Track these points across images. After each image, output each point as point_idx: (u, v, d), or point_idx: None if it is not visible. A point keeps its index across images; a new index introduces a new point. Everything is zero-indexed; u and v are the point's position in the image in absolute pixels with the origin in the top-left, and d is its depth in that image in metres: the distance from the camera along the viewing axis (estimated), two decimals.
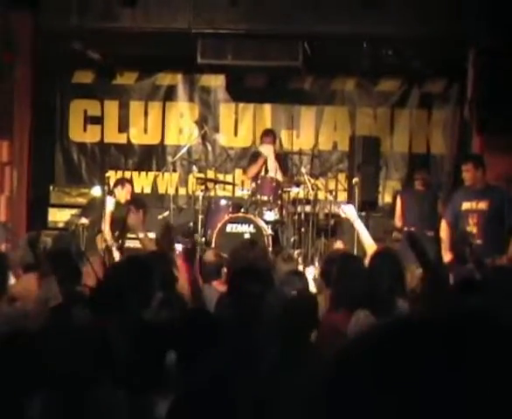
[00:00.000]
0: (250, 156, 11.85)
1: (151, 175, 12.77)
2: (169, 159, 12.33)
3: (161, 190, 12.66)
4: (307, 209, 11.02)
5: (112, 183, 10.70)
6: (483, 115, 10.12)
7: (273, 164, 11.30)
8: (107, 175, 11.60)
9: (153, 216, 11.56)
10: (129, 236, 10.69)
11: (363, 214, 10.97)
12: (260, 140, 11.61)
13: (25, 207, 11.02)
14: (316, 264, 9.82)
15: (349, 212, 8.56)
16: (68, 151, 12.86)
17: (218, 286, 6.72)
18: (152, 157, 12.83)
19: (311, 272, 9.05)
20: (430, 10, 10.09)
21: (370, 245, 8.00)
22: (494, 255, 8.42)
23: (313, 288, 7.77)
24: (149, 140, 12.83)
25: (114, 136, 12.85)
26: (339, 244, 9.77)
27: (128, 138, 12.83)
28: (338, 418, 0.96)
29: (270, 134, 11.57)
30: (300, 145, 12.21)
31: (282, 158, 11.55)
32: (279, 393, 2.87)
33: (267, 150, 11.37)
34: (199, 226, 10.64)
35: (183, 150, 11.81)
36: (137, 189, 12.68)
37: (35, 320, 5.54)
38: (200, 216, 10.65)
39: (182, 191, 12.61)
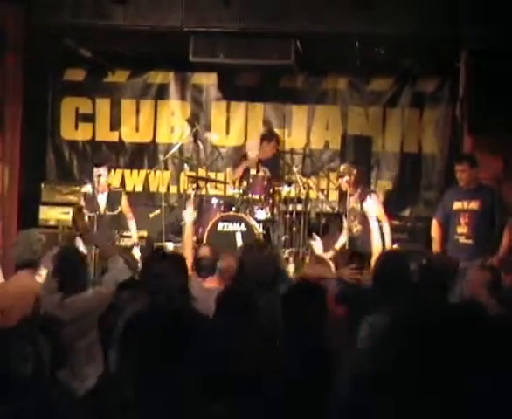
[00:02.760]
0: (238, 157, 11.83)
1: (143, 173, 12.76)
2: (161, 157, 12.30)
3: (152, 188, 12.65)
4: (299, 207, 11.02)
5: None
6: (475, 115, 10.13)
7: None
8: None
9: (144, 215, 11.56)
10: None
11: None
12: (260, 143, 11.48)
13: (17, 204, 11.00)
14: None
15: (372, 207, 8.59)
16: (60, 149, 12.83)
17: (212, 283, 6.69)
18: (144, 155, 12.81)
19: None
20: (422, 9, 10.09)
21: (378, 248, 8.05)
22: (484, 255, 8.46)
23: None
24: (141, 138, 12.81)
25: (105, 134, 12.82)
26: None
27: (120, 136, 12.81)
28: None
29: (263, 138, 11.45)
30: (291, 144, 12.22)
31: (273, 161, 11.42)
32: None
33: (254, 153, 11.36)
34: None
35: (175, 148, 11.80)
36: (129, 188, 12.69)
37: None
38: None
39: (173, 189, 12.60)
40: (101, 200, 10.24)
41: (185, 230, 7.71)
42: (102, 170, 10.24)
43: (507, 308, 5.57)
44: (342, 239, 9.74)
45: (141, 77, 12.76)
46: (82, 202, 10.22)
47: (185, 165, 11.65)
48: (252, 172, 10.98)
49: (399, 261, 5.74)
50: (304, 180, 11.15)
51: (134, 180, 12.77)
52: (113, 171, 12.66)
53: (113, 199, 10.29)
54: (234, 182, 11.20)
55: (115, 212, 10.23)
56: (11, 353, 3.80)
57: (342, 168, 9.94)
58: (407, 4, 10.14)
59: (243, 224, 10.30)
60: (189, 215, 7.83)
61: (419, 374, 0.99)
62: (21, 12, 10.51)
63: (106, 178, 10.26)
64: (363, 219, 9.44)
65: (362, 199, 9.49)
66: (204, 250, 7.00)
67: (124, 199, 10.38)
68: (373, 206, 9.16)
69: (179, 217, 11.09)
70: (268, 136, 11.43)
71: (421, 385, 0.97)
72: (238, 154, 12.11)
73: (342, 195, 10.10)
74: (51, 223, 11.49)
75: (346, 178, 9.71)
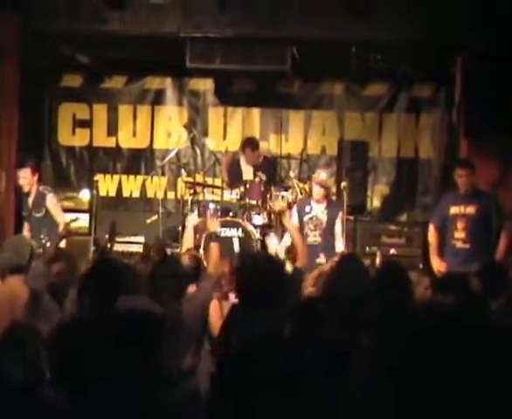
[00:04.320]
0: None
1: (140, 178, 12.76)
2: (158, 163, 12.33)
3: (149, 194, 12.65)
4: None
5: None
6: (470, 120, 10.16)
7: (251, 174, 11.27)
8: (95, 178, 11.59)
9: (141, 220, 11.57)
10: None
11: (352, 218, 11.02)
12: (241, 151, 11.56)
13: (14, 210, 11.00)
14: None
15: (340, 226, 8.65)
16: (57, 155, 12.83)
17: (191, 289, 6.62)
18: (141, 161, 12.81)
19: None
20: (418, 15, 10.12)
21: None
22: (481, 259, 8.47)
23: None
24: (138, 143, 12.81)
25: (102, 140, 12.82)
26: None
27: (117, 142, 12.81)
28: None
29: (249, 144, 11.50)
30: (288, 149, 12.24)
31: (268, 165, 11.46)
32: None
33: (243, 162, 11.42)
34: None
35: (172, 154, 11.82)
36: (126, 193, 12.71)
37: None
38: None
39: (170, 195, 12.59)
40: (29, 201, 10.08)
41: (186, 233, 7.69)
42: (24, 172, 10.12)
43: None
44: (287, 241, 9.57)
45: (138, 82, 12.76)
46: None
47: (182, 170, 11.64)
48: (249, 177, 11.03)
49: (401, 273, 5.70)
50: (301, 185, 11.16)
51: (132, 185, 12.77)
52: (110, 176, 12.72)
53: (37, 200, 10.02)
54: (231, 186, 11.20)
55: (40, 214, 9.93)
56: (4, 360, 3.82)
57: (326, 177, 9.70)
58: (403, 10, 10.17)
59: (240, 230, 10.31)
60: (192, 220, 7.82)
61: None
62: (17, 19, 10.52)
63: (29, 179, 10.04)
64: (326, 232, 9.41)
65: (332, 213, 9.47)
66: (184, 259, 6.90)
67: (50, 201, 10.02)
68: (340, 225, 9.23)
69: (176, 223, 11.12)
70: (251, 144, 11.44)
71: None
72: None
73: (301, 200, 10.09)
74: None
75: (323, 190, 9.55)
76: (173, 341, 5.28)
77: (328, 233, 9.43)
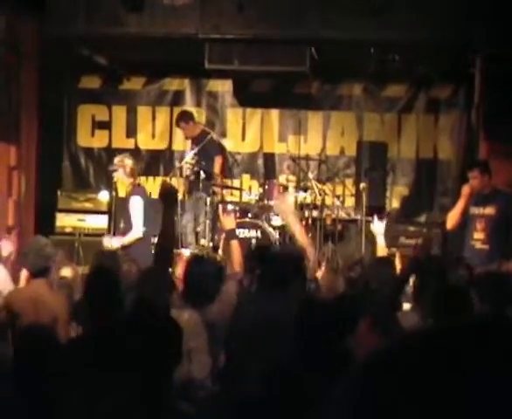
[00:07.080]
0: None
1: (159, 179, 12.79)
2: (177, 164, 12.35)
3: None
4: (315, 214, 11.03)
5: None
6: (490, 121, 10.11)
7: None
8: (114, 180, 11.62)
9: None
10: None
11: (370, 219, 11.00)
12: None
13: (33, 212, 11.04)
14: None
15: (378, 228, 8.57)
16: (76, 156, 12.89)
17: None
18: (159, 162, 12.85)
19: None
20: (437, 15, 10.09)
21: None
22: (500, 260, 8.43)
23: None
24: (157, 145, 12.85)
25: (121, 141, 12.87)
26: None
27: (136, 143, 12.86)
28: None
29: (177, 118, 11.81)
30: (307, 150, 12.22)
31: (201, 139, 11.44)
32: None
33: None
34: (206, 231, 10.64)
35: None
36: None
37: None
38: (207, 221, 10.65)
39: None
40: None
41: None
42: None
43: None
44: None
45: (156, 84, 12.81)
46: None
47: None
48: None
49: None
50: (320, 186, 11.16)
51: (150, 186, 12.79)
52: None
53: None
54: (250, 188, 11.20)
55: None
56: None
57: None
58: (421, 11, 10.13)
59: (259, 231, 10.31)
60: None
61: None
62: (36, 22, 10.55)
63: None
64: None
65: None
66: None
67: None
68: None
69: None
70: (178, 117, 11.77)
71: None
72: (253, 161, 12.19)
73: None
74: (68, 230, 11.54)
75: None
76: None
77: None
